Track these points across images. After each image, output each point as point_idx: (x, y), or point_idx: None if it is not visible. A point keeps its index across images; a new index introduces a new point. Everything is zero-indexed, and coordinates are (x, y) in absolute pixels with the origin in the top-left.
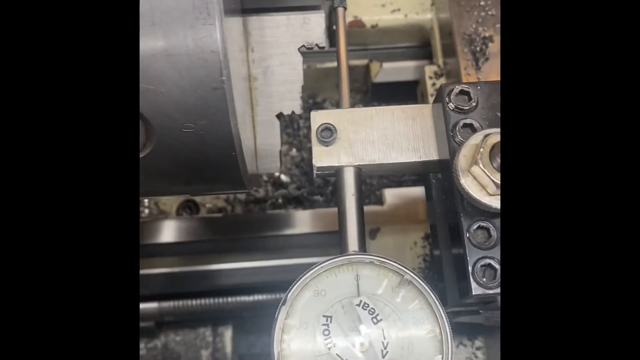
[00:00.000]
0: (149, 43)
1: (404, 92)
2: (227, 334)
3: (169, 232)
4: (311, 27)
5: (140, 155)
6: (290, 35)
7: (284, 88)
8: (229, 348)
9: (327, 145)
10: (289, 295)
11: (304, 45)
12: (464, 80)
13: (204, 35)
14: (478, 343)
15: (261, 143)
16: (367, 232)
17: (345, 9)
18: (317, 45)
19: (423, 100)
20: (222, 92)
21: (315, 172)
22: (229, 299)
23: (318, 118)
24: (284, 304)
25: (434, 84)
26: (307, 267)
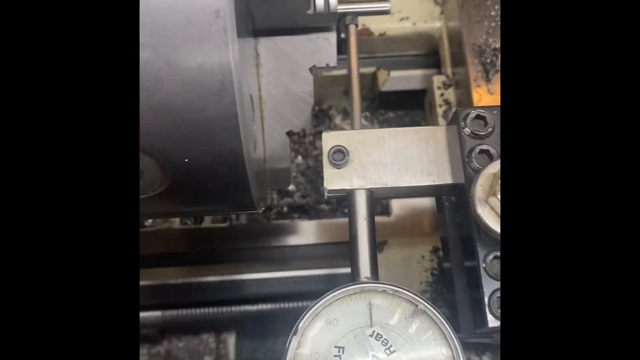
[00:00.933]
0: (156, 63)
1: (412, 101)
2: (231, 340)
3: (172, 241)
4: (322, 47)
5: (154, 193)
6: (300, 56)
7: (295, 108)
8: (232, 355)
9: (339, 168)
10: (300, 324)
11: (314, 65)
12: (473, 92)
13: (216, 58)
14: (486, 359)
15: (271, 162)
16: None
17: (357, 26)
18: (327, 64)
19: (431, 109)
20: (234, 116)
21: (326, 194)
22: (233, 309)
23: (329, 140)
24: (294, 333)
25: (442, 94)
26: (313, 278)
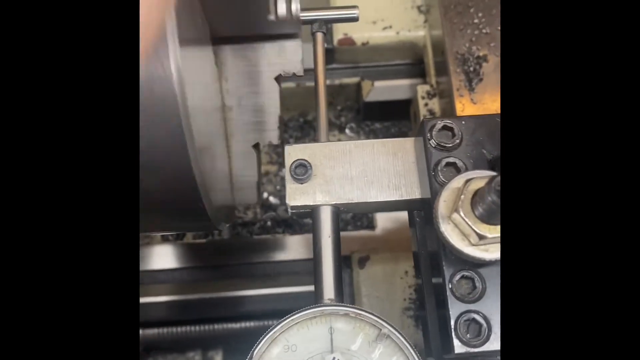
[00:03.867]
0: None
1: (397, 111)
2: (218, 358)
3: (152, 259)
4: (287, 55)
5: None
6: (266, 64)
7: (261, 118)
8: None
9: (301, 183)
10: (256, 351)
11: (280, 75)
12: (457, 102)
13: (157, 67)
14: None
15: (238, 174)
16: (356, 261)
17: (324, 34)
18: (294, 74)
19: (416, 119)
20: (179, 130)
21: (289, 211)
22: (216, 326)
23: (293, 153)
24: None
25: (426, 104)
26: (295, 295)
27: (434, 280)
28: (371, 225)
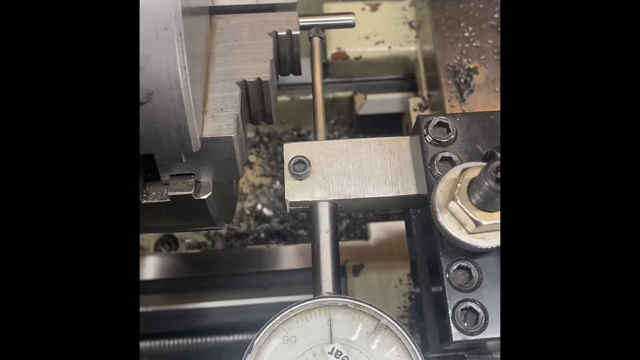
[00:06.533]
0: None
1: (389, 124)
2: None
3: (145, 268)
4: (281, 17)
5: None
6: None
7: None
8: None
9: (300, 179)
10: (255, 342)
11: (275, 31)
12: (448, 112)
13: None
14: None
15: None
16: (351, 269)
17: (321, 39)
18: (290, 31)
19: (408, 132)
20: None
21: (288, 207)
22: (208, 339)
23: (291, 150)
24: (249, 352)
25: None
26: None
27: (432, 288)
28: (365, 236)
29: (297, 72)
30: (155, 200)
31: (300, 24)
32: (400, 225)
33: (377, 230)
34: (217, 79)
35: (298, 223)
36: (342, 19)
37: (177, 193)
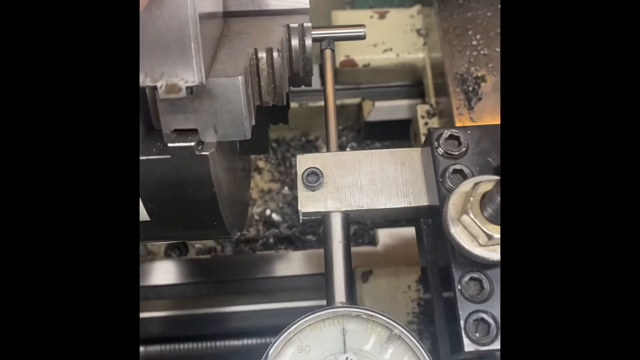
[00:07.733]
0: None
1: (397, 131)
2: None
3: (156, 274)
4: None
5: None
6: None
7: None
8: None
9: (313, 190)
10: (271, 351)
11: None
12: (456, 120)
13: None
14: None
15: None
16: (359, 275)
17: (333, 51)
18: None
19: (416, 139)
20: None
21: (301, 217)
22: (218, 343)
23: (304, 162)
24: None
25: (426, 124)
26: (298, 310)
27: (444, 293)
28: (373, 242)
29: (309, 82)
30: (154, 157)
31: (313, 35)
32: (408, 231)
33: (385, 236)
34: (227, 45)
35: (306, 228)
36: (353, 32)
37: (177, 144)
